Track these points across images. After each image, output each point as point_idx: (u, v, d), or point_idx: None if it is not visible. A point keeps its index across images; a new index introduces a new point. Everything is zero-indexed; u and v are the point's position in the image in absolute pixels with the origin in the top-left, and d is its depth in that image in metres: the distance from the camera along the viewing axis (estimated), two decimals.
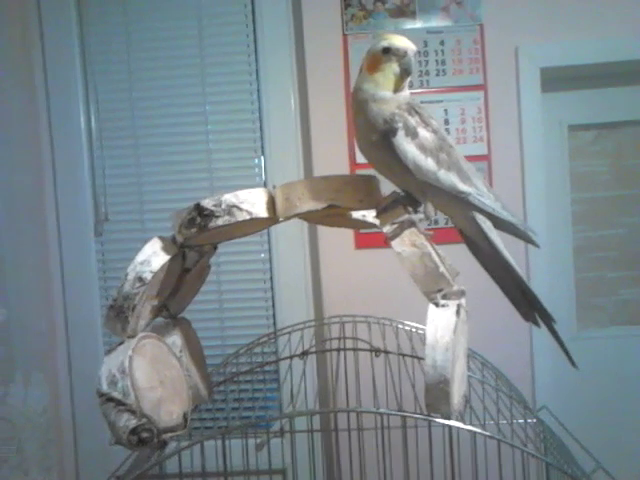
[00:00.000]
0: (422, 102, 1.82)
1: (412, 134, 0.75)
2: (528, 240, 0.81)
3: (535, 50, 1.84)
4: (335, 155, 1.86)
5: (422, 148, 0.75)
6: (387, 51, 0.77)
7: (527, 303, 0.81)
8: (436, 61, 1.86)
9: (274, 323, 1.91)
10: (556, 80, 1.92)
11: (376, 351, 1.08)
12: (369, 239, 1.84)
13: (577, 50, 1.84)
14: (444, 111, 1.86)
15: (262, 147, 1.92)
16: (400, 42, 0.77)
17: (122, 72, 1.93)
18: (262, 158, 1.92)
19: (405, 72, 0.77)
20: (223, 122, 1.93)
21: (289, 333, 1.27)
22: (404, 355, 1.05)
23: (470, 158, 1.82)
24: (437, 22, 1.86)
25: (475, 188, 0.77)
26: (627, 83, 1.99)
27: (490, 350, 1.31)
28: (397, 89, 0.78)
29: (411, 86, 1.85)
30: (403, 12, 1.86)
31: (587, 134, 2.07)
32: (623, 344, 2.06)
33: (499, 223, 0.79)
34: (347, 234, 1.86)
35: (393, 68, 0.77)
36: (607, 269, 2.09)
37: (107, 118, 1.94)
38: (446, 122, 1.86)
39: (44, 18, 1.90)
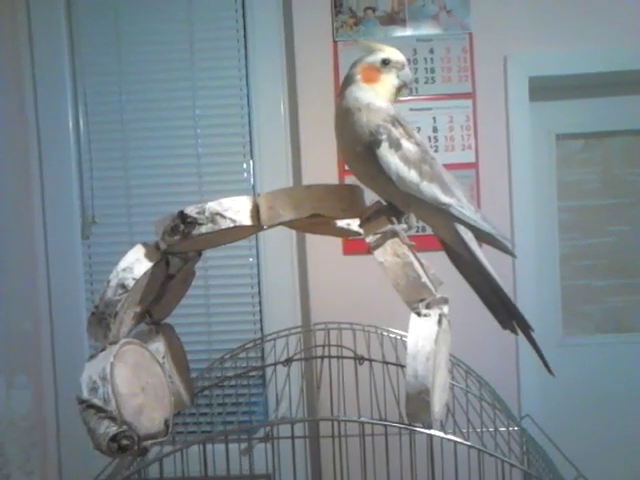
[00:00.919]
0: (411, 109, 1.85)
1: (396, 146, 0.76)
2: (505, 251, 0.82)
3: (524, 59, 1.86)
4: (324, 160, 1.86)
5: (405, 160, 0.76)
6: (386, 62, 0.79)
7: (505, 311, 0.81)
8: (425, 69, 1.87)
9: (261, 328, 1.91)
10: (544, 89, 1.94)
11: (360, 359, 1.08)
12: (357, 245, 1.84)
13: (566, 60, 1.86)
14: (433, 119, 1.87)
15: (251, 152, 1.92)
16: (397, 54, 0.80)
17: (112, 75, 1.92)
18: (251, 162, 1.92)
19: (404, 84, 0.80)
20: (213, 126, 1.94)
21: (274, 339, 1.28)
22: (388, 363, 1.06)
23: (458, 166, 1.86)
24: (427, 30, 1.87)
25: (456, 200, 0.78)
26: (615, 93, 2.01)
27: (476, 358, 1.31)
28: (394, 100, 0.80)
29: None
30: (393, 20, 1.87)
31: (575, 143, 2.09)
32: (609, 352, 2.07)
33: (479, 234, 0.80)
34: (335, 240, 1.86)
35: (392, 80, 0.79)
36: (594, 277, 2.10)
37: (96, 121, 1.94)
38: (434, 130, 1.87)
39: (33, 18, 1.90)
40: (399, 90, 0.80)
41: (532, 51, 1.86)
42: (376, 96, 0.78)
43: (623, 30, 1.85)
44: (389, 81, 0.79)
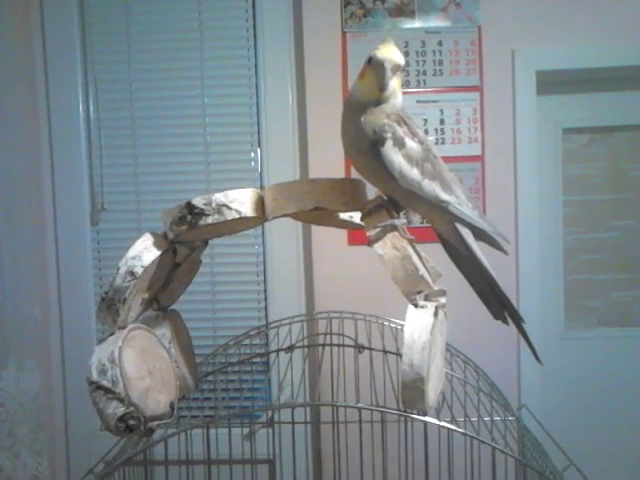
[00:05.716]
0: (418, 101, 1.86)
1: (400, 144, 0.77)
2: (499, 248, 0.84)
3: (531, 53, 1.86)
4: (331, 149, 1.86)
5: (408, 158, 0.77)
6: (370, 61, 0.77)
7: (498, 303, 0.83)
8: (433, 61, 1.87)
9: (266, 315, 1.93)
10: (551, 83, 1.95)
11: (360, 348, 1.10)
12: (362, 236, 1.84)
13: (573, 54, 1.86)
14: (440, 111, 1.88)
15: (259, 141, 1.94)
16: (381, 53, 0.76)
17: (122, 63, 1.94)
18: (259, 152, 1.94)
19: (379, 84, 0.76)
20: (221, 115, 1.95)
21: (277, 327, 1.30)
22: (387, 352, 1.08)
23: (464, 158, 1.87)
24: (436, 22, 1.87)
25: (455, 197, 0.79)
26: (622, 88, 2.01)
27: (476, 349, 1.33)
28: (378, 100, 0.77)
29: (408, 85, 1.87)
30: (402, 11, 1.87)
31: (581, 137, 2.09)
32: (611, 345, 2.09)
33: (475, 231, 0.82)
34: (340, 230, 1.87)
35: (373, 79, 0.76)
36: (597, 271, 2.11)
37: (106, 108, 1.96)
38: (441, 122, 1.88)
39: (46, 8, 1.91)
40: (379, 90, 0.76)
41: (540, 45, 1.86)
42: (362, 95, 0.78)
43: (631, 25, 1.85)
44: (370, 80, 0.77)
